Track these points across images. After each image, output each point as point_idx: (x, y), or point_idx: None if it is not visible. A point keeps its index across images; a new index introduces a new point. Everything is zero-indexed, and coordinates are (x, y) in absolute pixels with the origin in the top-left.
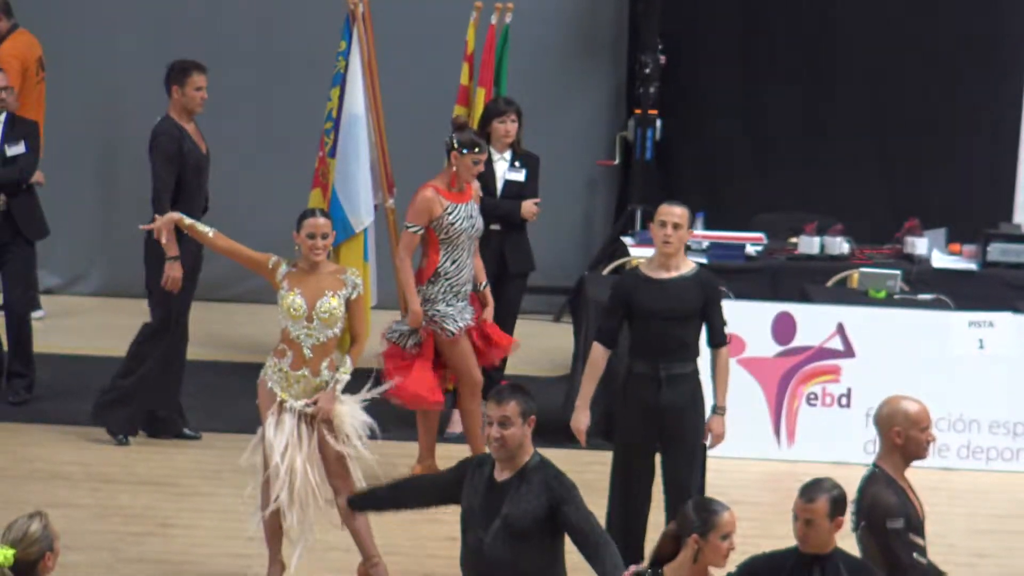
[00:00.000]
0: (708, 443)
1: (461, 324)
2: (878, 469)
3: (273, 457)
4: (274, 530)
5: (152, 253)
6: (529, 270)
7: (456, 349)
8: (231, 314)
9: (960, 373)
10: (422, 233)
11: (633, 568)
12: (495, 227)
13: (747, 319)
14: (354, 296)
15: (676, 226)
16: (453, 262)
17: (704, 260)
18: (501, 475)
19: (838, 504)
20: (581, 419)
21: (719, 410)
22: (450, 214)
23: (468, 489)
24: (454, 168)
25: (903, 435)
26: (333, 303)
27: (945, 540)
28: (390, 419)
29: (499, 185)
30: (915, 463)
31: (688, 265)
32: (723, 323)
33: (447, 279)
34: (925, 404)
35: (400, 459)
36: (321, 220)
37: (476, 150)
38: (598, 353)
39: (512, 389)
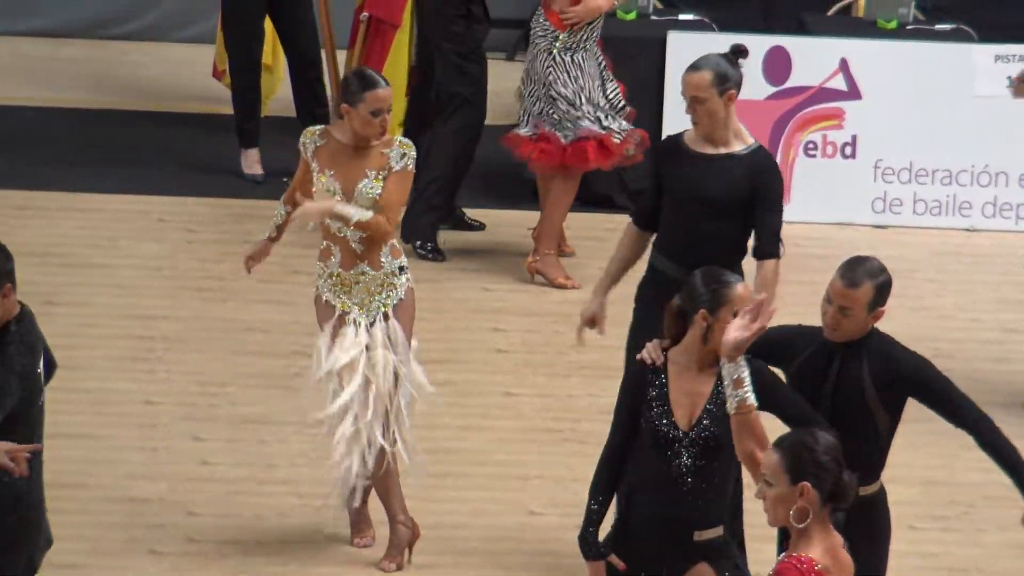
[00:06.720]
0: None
1: None
2: None
3: (330, 384)
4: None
5: None
6: None
7: None
8: (126, 54)
9: (985, 117)
10: None
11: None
12: None
13: None
14: (399, 167)
15: (697, 100)
16: None
17: None
18: None
19: (882, 292)
20: (589, 306)
21: None
22: None
23: None
24: None
25: None
26: (377, 187)
27: (968, 313)
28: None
29: None
30: (934, 224)
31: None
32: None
33: None
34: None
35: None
36: (385, 91)
37: None
38: (629, 234)
39: None
